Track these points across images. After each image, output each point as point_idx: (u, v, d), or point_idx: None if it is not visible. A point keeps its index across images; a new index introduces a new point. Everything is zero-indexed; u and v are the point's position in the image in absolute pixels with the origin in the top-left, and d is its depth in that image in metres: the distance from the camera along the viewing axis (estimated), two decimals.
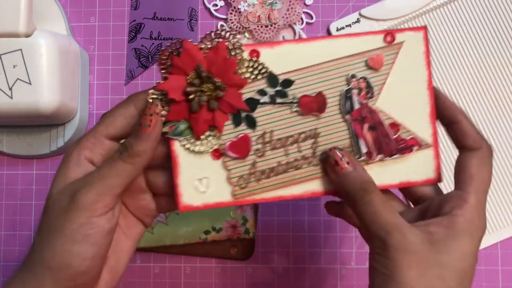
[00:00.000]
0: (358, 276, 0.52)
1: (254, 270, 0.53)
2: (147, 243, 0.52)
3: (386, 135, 0.34)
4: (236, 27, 0.55)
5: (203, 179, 0.35)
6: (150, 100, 0.34)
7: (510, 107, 0.52)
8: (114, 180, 0.32)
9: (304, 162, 0.35)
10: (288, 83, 0.34)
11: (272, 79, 0.34)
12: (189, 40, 0.34)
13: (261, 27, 0.54)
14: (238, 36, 0.34)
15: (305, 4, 0.55)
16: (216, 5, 0.55)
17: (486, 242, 0.51)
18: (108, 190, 0.32)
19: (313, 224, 0.53)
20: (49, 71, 0.46)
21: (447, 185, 0.54)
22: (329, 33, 0.55)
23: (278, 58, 0.34)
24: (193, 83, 0.33)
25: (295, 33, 0.55)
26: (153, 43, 0.55)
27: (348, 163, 0.33)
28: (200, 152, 0.35)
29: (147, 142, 0.32)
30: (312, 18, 0.55)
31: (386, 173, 0.35)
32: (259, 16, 0.53)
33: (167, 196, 0.36)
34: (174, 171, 0.35)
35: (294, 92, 0.34)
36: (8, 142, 0.53)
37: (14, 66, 0.46)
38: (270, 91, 0.34)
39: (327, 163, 0.34)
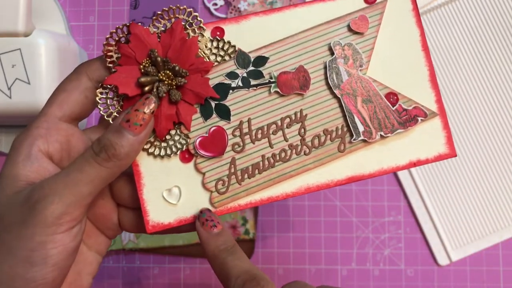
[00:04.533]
0: (358, 277, 0.51)
1: None
2: (146, 244, 0.50)
3: (384, 107, 0.29)
4: None
5: (172, 188, 0.28)
6: (98, 100, 0.28)
7: (511, 105, 0.51)
8: (86, 188, 0.25)
9: (293, 152, 0.29)
10: (262, 60, 0.29)
11: (242, 58, 0.29)
12: (139, 23, 0.28)
13: None
14: (196, 13, 0.29)
15: None
16: (216, 4, 0.53)
17: (487, 242, 0.50)
18: (77, 201, 0.25)
19: (313, 224, 0.51)
20: (48, 70, 0.45)
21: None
22: None
23: (247, 34, 0.29)
24: (147, 72, 0.27)
25: None
26: None
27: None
28: (166, 156, 0.28)
29: (134, 145, 0.26)
30: None
31: (390, 152, 0.29)
32: None
33: (133, 210, 0.29)
34: (137, 184, 0.28)
35: (270, 70, 0.29)
36: (7, 142, 0.52)
37: (13, 66, 0.45)
38: (242, 72, 0.29)
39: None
